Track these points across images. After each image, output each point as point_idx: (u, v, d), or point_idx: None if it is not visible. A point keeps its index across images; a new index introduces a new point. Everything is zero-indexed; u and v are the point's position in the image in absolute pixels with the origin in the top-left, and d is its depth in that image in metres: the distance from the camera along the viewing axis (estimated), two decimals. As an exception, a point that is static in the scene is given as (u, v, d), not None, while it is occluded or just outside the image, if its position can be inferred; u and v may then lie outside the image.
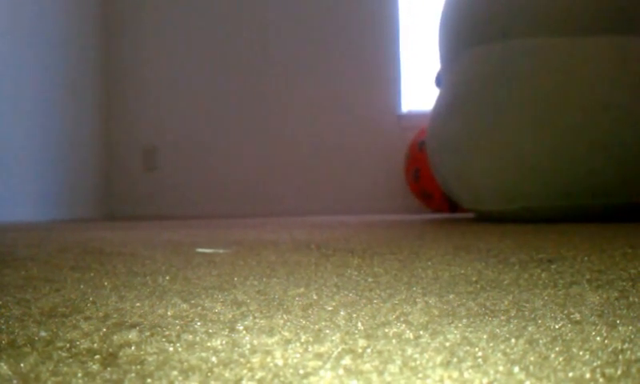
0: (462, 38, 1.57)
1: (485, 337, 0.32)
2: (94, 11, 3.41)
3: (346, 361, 0.28)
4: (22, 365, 0.29)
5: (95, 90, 3.40)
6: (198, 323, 0.37)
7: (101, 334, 0.35)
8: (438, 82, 1.83)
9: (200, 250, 0.87)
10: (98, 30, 3.43)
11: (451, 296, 0.45)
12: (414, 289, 0.49)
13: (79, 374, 0.27)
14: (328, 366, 0.27)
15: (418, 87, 3.20)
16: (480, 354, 0.29)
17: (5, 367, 0.28)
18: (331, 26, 3.21)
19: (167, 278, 0.58)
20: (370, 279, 0.54)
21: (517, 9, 1.46)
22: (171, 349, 0.31)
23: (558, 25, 1.41)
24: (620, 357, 0.28)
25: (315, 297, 0.46)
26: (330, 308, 0.41)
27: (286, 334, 0.34)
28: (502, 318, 0.37)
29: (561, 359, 0.28)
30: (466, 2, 1.58)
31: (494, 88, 1.44)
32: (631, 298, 0.42)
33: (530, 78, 1.40)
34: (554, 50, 1.39)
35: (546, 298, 0.43)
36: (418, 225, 1.52)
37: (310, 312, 0.40)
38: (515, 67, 1.43)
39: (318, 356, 0.29)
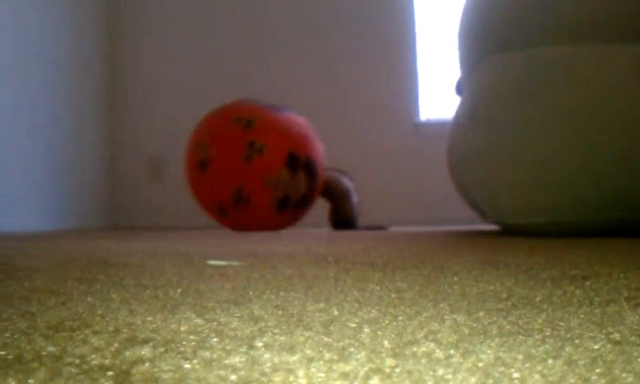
0: (484, 45, 1.54)
1: (520, 357, 0.30)
2: (98, 19, 3.45)
3: (374, 381, 0.26)
4: (30, 381, 0.27)
5: (99, 100, 3.43)
6: (215, 339, 0.35)
7: (112, 349, 0.33)
8: (459, 89, 1.80)
9: (212, 262, 0.86)
10: (102, 38, 3.46)
11: (481, 313, 0.43)
12: (441, 305, 0.46)
13: (89, 393, 0.26)
14: (356, 387, 0.25)
15: (436, 95, 3.19)
16: (517, 375, 0.27)
17: (13, 383, 0.27)
18: (347, 34, 3.21)
19: (179, 290, 0.56)
20: (393, 295, 0.52)
21: (540, 15, 1.42)
22: (187, 366, 0.29)
23: (583, 32, 1.37)
24: (669, 380, 0.26)
25: (336, 312, 0.44)
26: (352, 325, 0.39)
27: (308, 351, 0.32)
28: (537, 337, 0.35)
29: (603, 381, 0.26)
30: (488, 8, 1.55)
31: (516, 98, 1.41)
32: (673, 318, 0.40)
33: (555, 87, 1.37)
34: (579, 58, 1.36)
35: (581, 316, 0.41)
36: (439, 237, 1.49)
37: (331, 329, 0.38)
38: (539, 77, 1.39)
39: (344, 375, 0.27)
